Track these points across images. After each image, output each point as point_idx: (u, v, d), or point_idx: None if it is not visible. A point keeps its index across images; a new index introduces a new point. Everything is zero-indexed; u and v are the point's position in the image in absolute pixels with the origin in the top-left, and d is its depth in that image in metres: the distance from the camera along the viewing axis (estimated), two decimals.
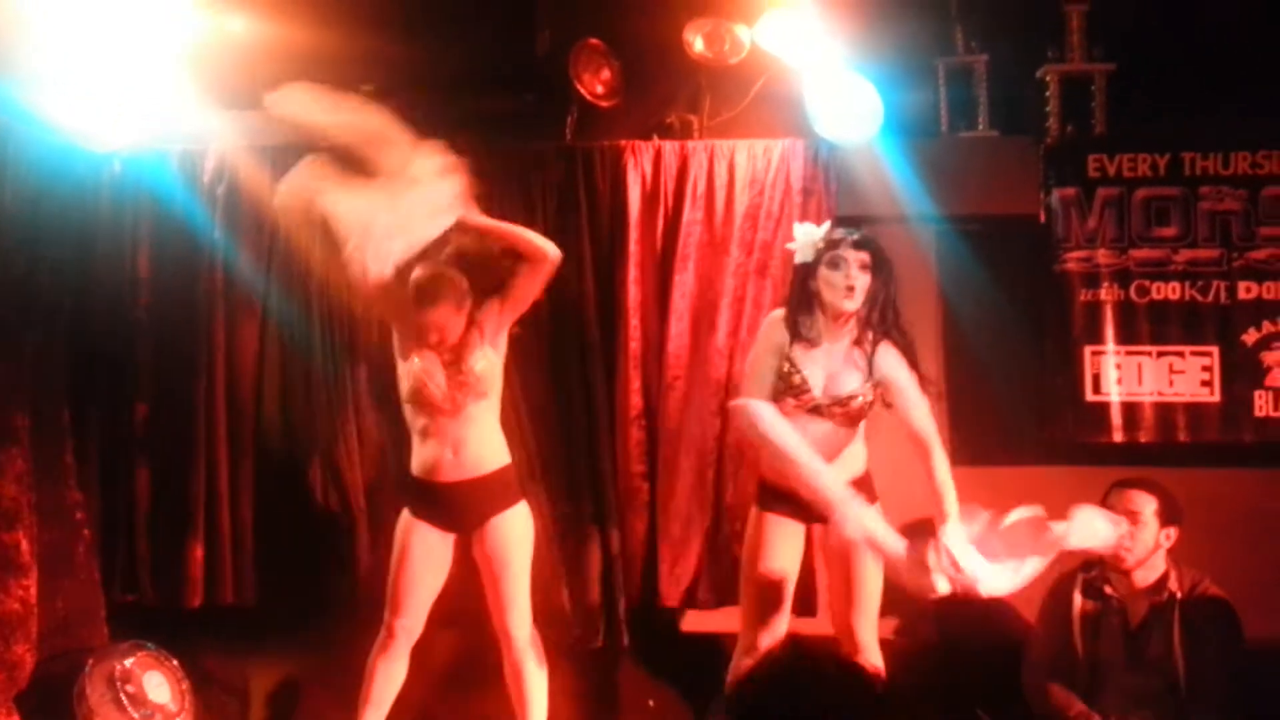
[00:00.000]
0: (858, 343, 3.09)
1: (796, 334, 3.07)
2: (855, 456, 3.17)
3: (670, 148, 3.87)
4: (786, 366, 3.05)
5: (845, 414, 3.06)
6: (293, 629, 3.71)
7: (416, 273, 3.19)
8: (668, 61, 3.88)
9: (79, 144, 3.75)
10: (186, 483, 3.76)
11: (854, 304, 3.06)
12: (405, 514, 3.30)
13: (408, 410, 3.29)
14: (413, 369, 3.22)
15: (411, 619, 3.26)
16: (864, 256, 3.07)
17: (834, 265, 3.07)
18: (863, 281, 3.05)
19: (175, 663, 3.35)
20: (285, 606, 3.73)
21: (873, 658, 3.12)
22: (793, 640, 0.97)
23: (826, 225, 3.19)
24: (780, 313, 3.17)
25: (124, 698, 3.15)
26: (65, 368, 3.71)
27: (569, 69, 3.79)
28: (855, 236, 3.12)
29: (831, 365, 3.07)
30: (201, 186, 3.86)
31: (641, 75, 3.94)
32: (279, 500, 3.79)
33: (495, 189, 3.84)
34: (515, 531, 3.26)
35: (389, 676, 3.26)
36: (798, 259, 3.15)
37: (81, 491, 3.44)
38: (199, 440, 3.78)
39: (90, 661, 3.10)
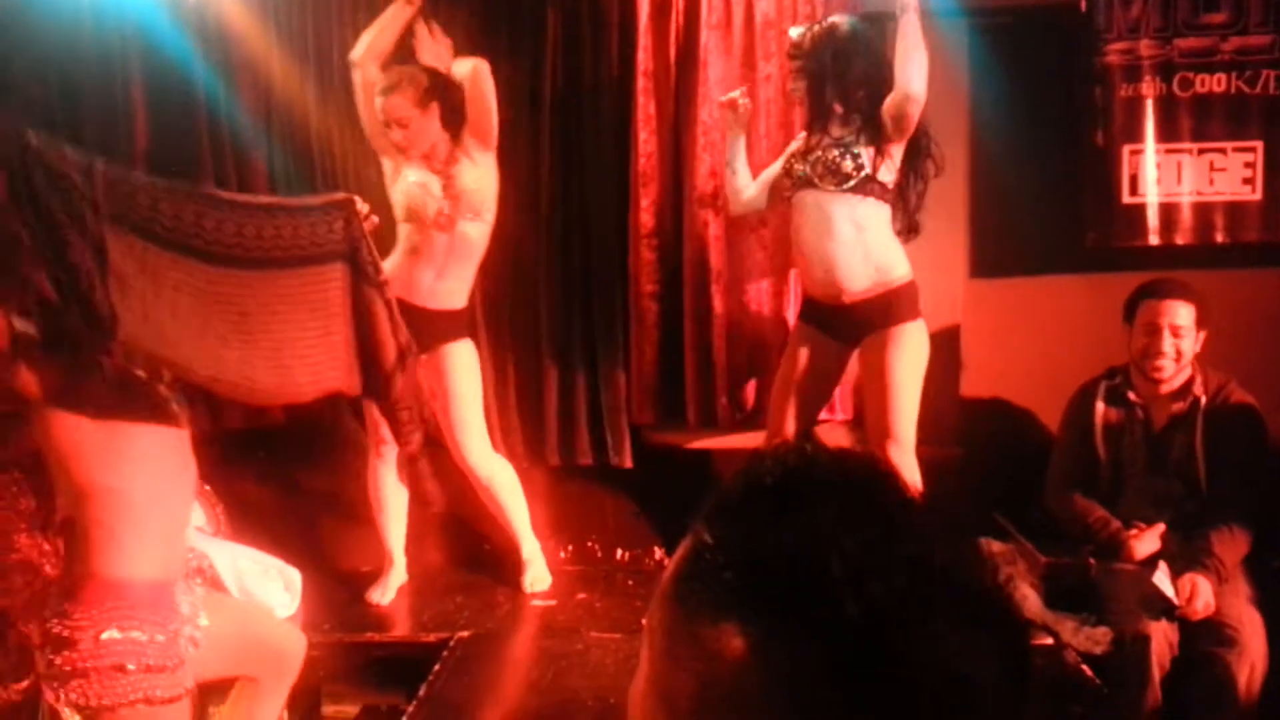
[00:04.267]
0: (844, 123, 3.22)
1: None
2: (890, 252, 3.21)
3: None
4: (788, 164, 3.32)
5: (839, 178, 3.16)
6: (324, 452, 3.79)
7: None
8: None
9: None
10: None
11: (800, 99, 3.29)
12: None
13: (401, 230, 3.34)
14: (406, 183, 3.27)
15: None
16: (795, 64, 3.25)
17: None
18: (798, 88, 3.26)
19: (208, 487, 3.43)
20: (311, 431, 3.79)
21: (907, 456, 3.12)
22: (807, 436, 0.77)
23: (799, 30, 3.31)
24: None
25: None
26: None
27: None
28: (789, 44, 3.27)
29: (817, 148, 3.23)
30: (189, 12, 3.66)
31: None
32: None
33: None
34: (461, 361, 3.40)
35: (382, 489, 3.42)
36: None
37: None
38: None
39: None
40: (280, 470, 3.83)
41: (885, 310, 3.17)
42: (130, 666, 1.98)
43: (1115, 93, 3.65)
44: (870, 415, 3.25)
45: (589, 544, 3.79)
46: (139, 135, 3.70)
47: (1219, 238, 3.68)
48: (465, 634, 3.12)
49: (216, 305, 2.19)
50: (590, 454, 3.73)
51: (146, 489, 2.03)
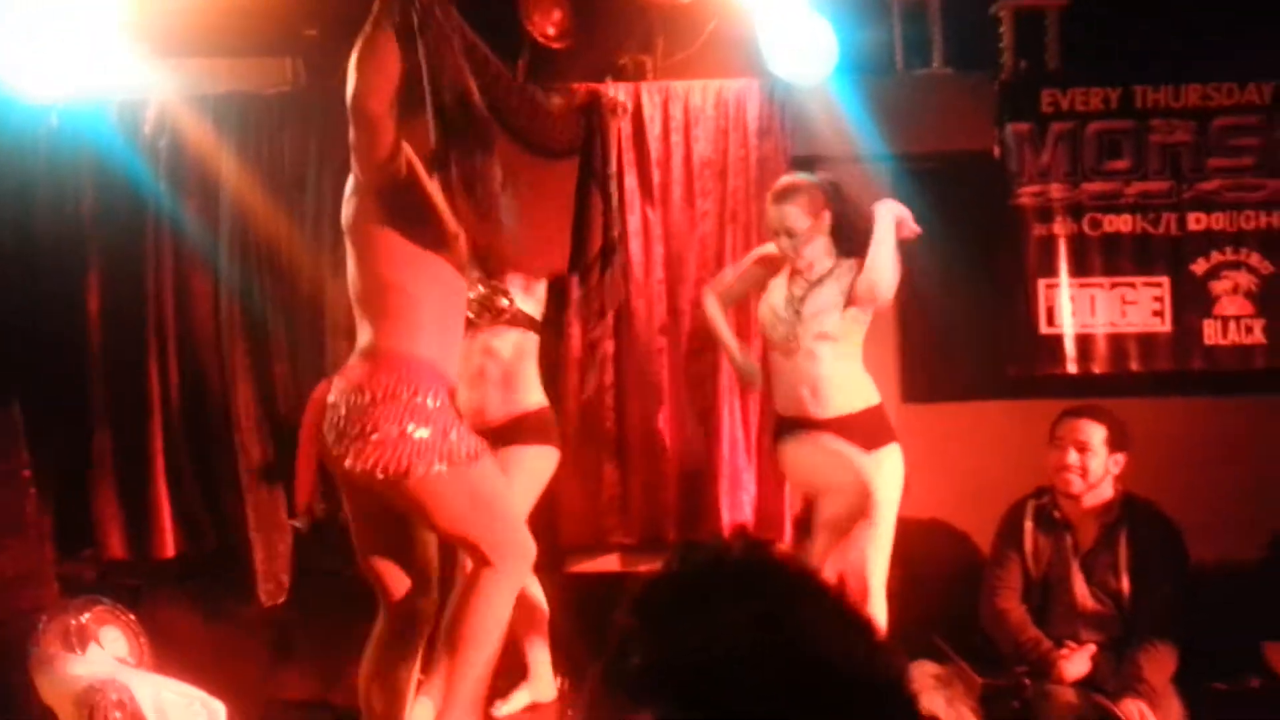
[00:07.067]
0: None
1: None
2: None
3: (624, 90, 3.82)
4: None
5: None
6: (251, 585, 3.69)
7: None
8: (620, 1, 3.82)
9: (15, 96, 3.66)
10: (142, 437, 3.71)
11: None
12: None
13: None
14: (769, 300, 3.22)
15: None
16: None
17: None
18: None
19: (131, 616, 3.32)
20: (245, 562, 3.70)
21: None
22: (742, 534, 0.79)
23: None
24: None
25: (80, 652, 3.12)
26: (11, 329, 3.62)
27: (519, 9, 3.72)
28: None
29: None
30: (143, 139, 3.76)
31: (593, 15, 3.86)
32: (236, 455, 3.75)
33: None
34: None
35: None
36: None
37: (30, 452, 3.38)
38: (153, 393, 3.72)
39: (44, 618, 3.07)
40: (208, 598, 3.72)
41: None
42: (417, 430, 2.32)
43: (1029, 231, 3.88)
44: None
45: None
46: (90, 259, 3.74)
47: (1134, 366, 3.87)
48: None
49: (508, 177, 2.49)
50: None
51: (429, 290, 2.44)
